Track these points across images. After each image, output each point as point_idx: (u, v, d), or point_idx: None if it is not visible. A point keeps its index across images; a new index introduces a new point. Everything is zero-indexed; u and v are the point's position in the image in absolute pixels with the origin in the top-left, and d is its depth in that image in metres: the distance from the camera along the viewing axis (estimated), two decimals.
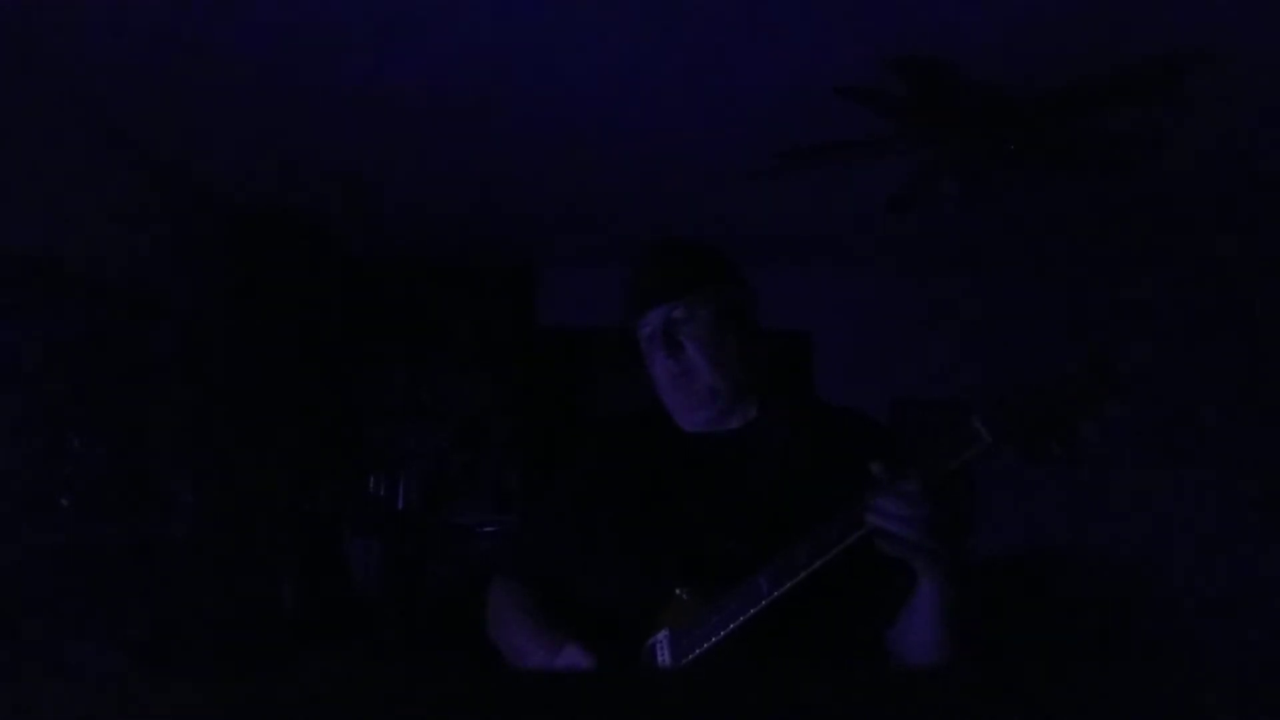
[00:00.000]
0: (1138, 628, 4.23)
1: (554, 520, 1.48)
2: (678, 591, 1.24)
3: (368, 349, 4.60)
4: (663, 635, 1.23)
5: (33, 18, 2.33)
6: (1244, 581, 3.96)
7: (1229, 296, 4.27)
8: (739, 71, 2.71)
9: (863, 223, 3.98)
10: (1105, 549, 4.46)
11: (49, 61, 2.57)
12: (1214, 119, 2.99)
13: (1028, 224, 4.11)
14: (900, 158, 2.98)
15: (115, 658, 2.71)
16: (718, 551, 1.25)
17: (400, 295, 4.69)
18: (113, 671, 2.66)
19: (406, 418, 4.57)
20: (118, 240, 3.04)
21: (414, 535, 4.40)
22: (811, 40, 2.52)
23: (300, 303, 4.19)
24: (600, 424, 1.53)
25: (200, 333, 3.48)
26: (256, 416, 3.79)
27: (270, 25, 2.41)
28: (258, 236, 3.89)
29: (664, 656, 1.22)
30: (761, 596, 1.14)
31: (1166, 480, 4.30)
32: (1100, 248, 4.44)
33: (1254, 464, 4.11)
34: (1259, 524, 4.06)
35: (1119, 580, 4.40)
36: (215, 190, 3.62)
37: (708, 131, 3.14)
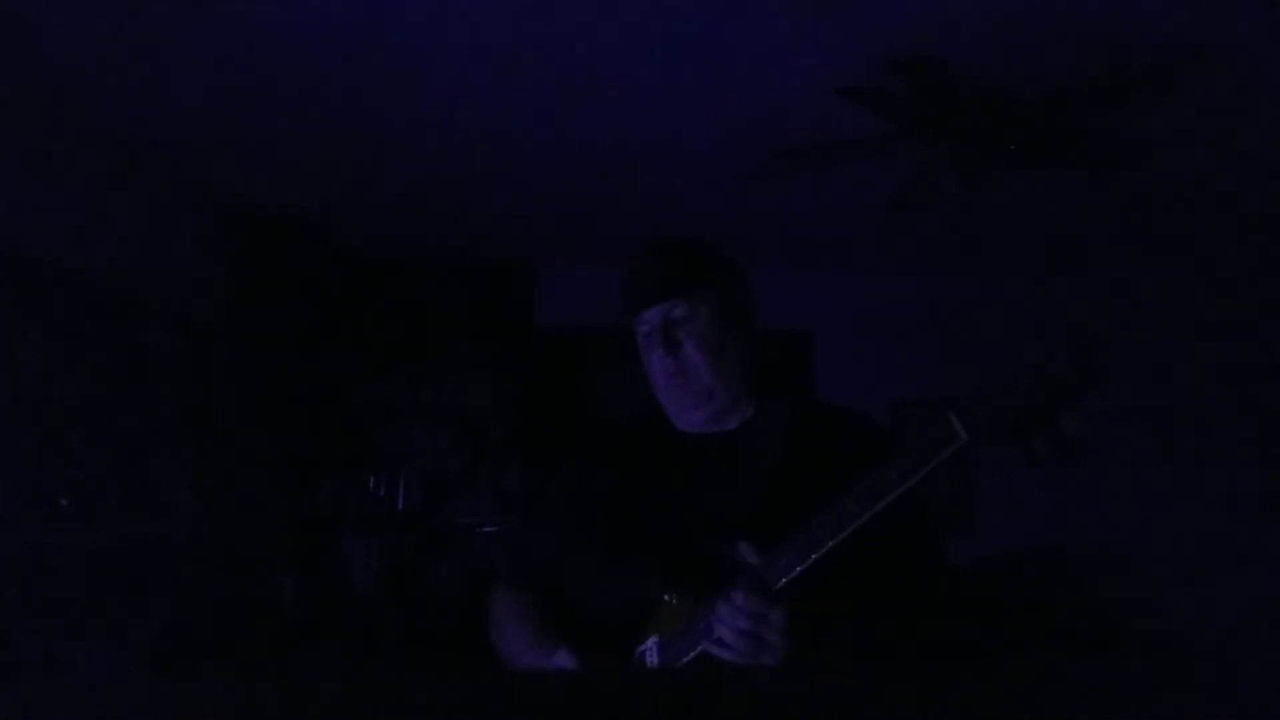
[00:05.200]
0: (1136, 627, 4.23)
1: (550, 526, 1.47)
2: (666, 597, 1.23)
3: (368, 349, 4.60)
4: (652, 642, 1.22)
5: (33, 18, 2.33)
6: (1243, 581, 3.96)
7: (1229, 295, 4.27)
8: (739, 72, 2.71)
9: (863, 223, 3.98)
10: (1104, 548, 4.46)
11: (49, 62, 2.57)
12: (1214, 119, 2.99)
13: (1028, 224, 4.11)
14: (900, 158, 2.98)
15: (115, 658, 2.71)
16: (709, 555, 1.24)
17: (400, 295, 4.69)
18: (113, 671, 2.66)
19: (406, 418, 4.57)
20: (118, 240, 3.04)
21: (414, 535, 4.40)
22: (811, 40, 2.52)
23: (300, 303, 4.19)
24: (596, 426, 1.52)
25: (200, 332, 3.48)
26: (256, 416, 3.79)
27: (271, 26, 2.41)
28: (257, 236, 3.89)
29: (653, 664, 1.21)
30: None
31: (1166, 480, 4.30)
32: (1100, 248, 4.44)
33: (1254, 463, 4.11)
34: (1258, 522, 4.06)
35: (1117, 579, 4.40)
36: (215, 190, 3.62)
37: (708, 131, 3.14)
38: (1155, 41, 2.50)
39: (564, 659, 1.25)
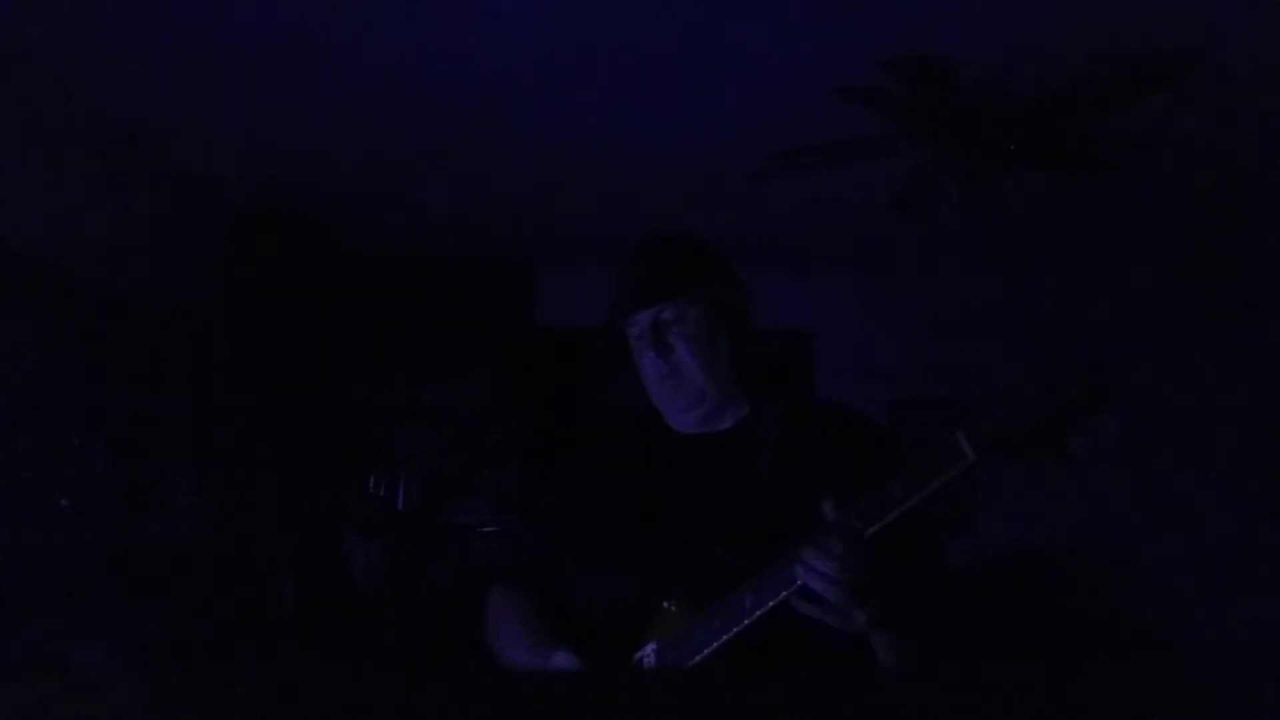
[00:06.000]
0: (1135, 627, 4.23)
1: (548, 528, 1.47)
2: (665, 603, 1.22)
3: (367, 348, 4.60)
4: (650, 649, 1.22)
5: (34, 18, 2.33)
6: (1243, 581, 3.96)
7: (1230, 295, 4.27)
8: (739, 71, 2.70)
9: (863, 223, 3.98)
10: (1103, 548, 4.46)
11: (50, 62, 2.57)
12: (1214, 119, 2.99)
13: (1028, 224, 4.11)
14: (900, 158, 2.98)
15: (115, 658, 2.70)
16: (706, 558, 1.23)
17: (399, 295, 4.69)
18: (113, 671, 2.66)
19: (406, 418, 4.56)
20: (118, 240, 3.03)
21: (414, 535, 4.39)
22: (811, 40, 2.52)
23: (300, 302, 4.19)
24: (594, 427, 1.52)
25: (200, 332, 3.48)
26: (256, 416, 3.79)
27: (272, 26, 2.41)
28: (258, 236, 3.89)
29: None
30: (744, 614, 1.13)
31: (1166, 479, 4.30)
32: (1100, 248, 4.44)
33: (1254, 464, 4.10)
34: (1259, 523, 4.06)
35: (1116, 580, 4.40)
36: (215, 190, 3.62)
37: (708, 132, 3.14)
38: (1155, 41, 2.50)
39: (562, 659, 1.24)
